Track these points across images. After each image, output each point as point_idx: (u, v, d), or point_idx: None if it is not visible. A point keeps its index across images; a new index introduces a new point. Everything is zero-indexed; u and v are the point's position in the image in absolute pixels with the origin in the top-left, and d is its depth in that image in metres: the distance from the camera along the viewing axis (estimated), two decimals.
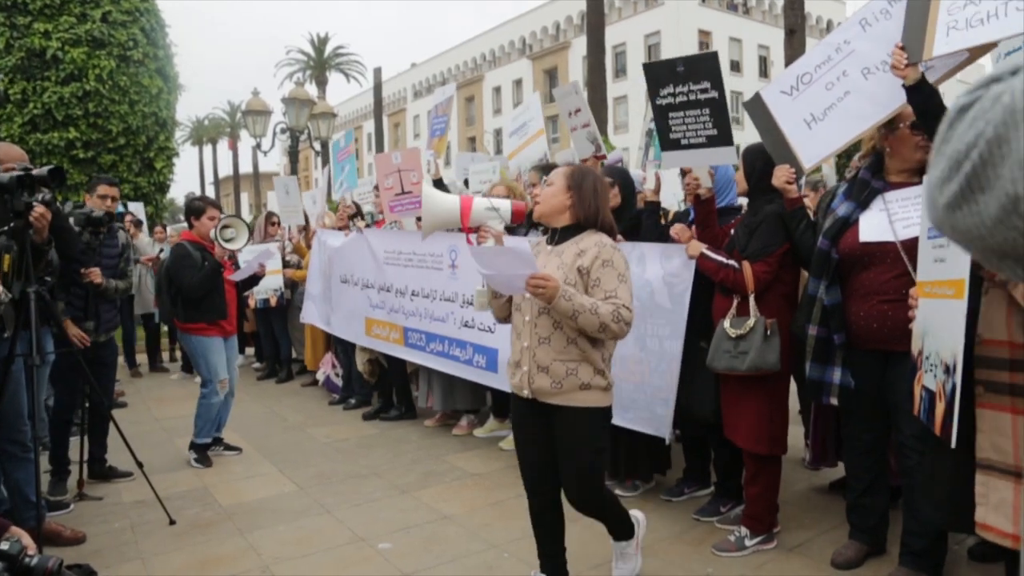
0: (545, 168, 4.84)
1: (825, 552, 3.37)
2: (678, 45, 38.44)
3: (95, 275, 4.49)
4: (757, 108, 3.44)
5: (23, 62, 11.83)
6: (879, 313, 3.03)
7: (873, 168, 3.17)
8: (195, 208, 5.28)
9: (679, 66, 3.52)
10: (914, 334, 2.55)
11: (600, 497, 2.90)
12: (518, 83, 51.33)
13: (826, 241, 3.15)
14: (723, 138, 3.49)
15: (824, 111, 3.20)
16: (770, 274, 3.33)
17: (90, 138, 12.21)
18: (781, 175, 3.34)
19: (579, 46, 40.72)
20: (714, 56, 3.48)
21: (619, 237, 2.89)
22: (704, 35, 39.82)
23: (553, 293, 2.53)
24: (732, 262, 3.39)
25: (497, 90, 53.35)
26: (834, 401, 3.22)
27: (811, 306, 3.21)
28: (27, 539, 2.37)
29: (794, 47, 16.14)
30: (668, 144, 3.67)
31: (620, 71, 42.16)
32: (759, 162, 3.46)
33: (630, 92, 42.12)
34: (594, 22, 19.01)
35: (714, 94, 3.44)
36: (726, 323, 3.35)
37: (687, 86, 3.50)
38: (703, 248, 3.49)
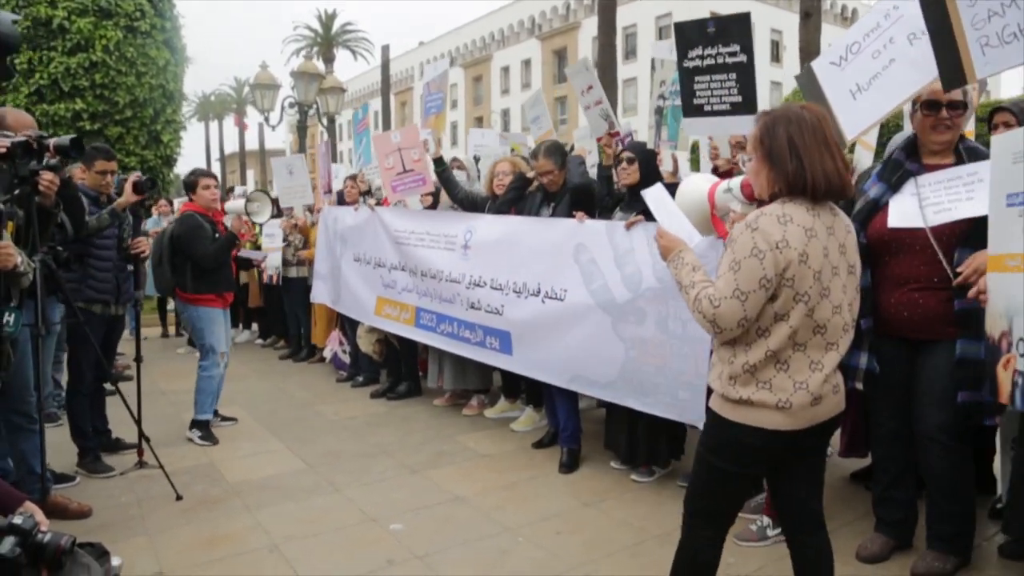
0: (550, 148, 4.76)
1: (849, 544, 3.27)
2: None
3: (142, 245, 4.53)
4: (808, 80, 3.33)
5: (29, 31, 11.63)
6: (910, 301, 2.94)
7: (908, 149, 3.05)
8: (189, 183, 5.32)
9: (710, 26, 3.46)
10: (991, 314, 2.42)
11: None
12: (527, 63, 50.93)
13: (855, 224, 3.03)
14: (747, 106, 3.41)
15: (869, 80, 3.09)
16: None
17: (96, 110, 12.05)
18: None
19: (589, 26, 40.30)
20: (746, 17, 3.42)
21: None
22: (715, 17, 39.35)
23: (664, 252, 2.35)
24: None
25: (505, 70, 52.95)
26: (859, 386, 3.12)
27: None
28: (40, 515, 2.31)
29: (809, 31, 15.83)
30: (691, 110, 3.58)
31: (630, 53, 41.78)
32: None
33: (640, 74, 41.74)
34: (605, 2, 18.73)
35: (743, 58, 3.38)
36: None
37: (716, 48, 3.43)
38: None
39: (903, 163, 3.03)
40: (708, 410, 2.27)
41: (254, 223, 5.29)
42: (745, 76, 3.40)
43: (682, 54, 3.57)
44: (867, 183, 3.15)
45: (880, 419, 3.20)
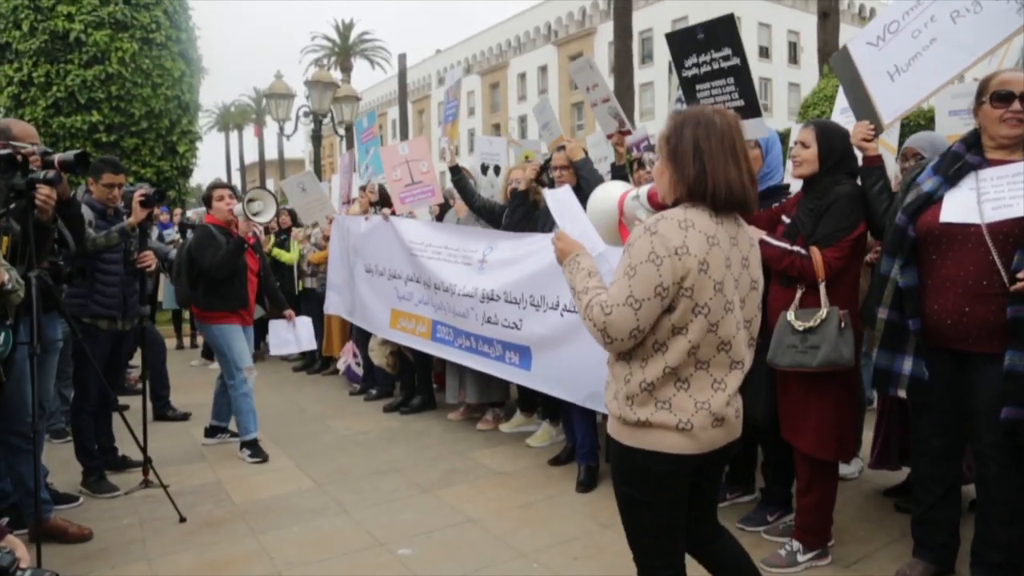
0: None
1: (887, 570, 3.07)
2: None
3: (149, 259, 4.44)
4: (844, 62, 3.16)
5: (47, 45, 11.72)
6: (955, 308, 2.69)
7: (969, 141, 2.81)
8: (206, 197, 5.20)
9: (699, 33, 3.37)
10: None
11: None
12: (543, 69, 50.83)
13: (903, 216, 2.82)
14: (751, 109, 3.29)
15: (908, 61, 2.91)
16: (841, 260, 3.01)
17: (113, 121, 12.08)
18: (859, 132, 3.06)
19: (605, 32, 40.19)
20: (730, 19, 3.31)
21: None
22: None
23: (560, 256, 2.18)
24: (798, 248, 3.06)
25: (522, 76, 52.88)
26: (902, 394, 2.89)
27: (882, 287, 2.89)
28: (21, 550, 2.17)
29: (827, 31, 15.67)
30: None
31: (647, 57, 41.54)
32: (840, 143, 3.12)
33: (657, 78, 41.49)
34: (621, 7, 18.62)
35: (736, 61, 3.27)
36: (790, 315, 3.03)
37: (709, 54, 3.35)
38: (762, 235, 3.18)
39: (963, 155, 2.79)
40: (607, 436, 2.08)
41: (260, 224, 5.03)
42: (743, 79, 3.28)
43: (679, 64, 3.47)
44: (921, 175, 2.93)
45: (923, 435, 2.97)
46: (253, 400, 4.95)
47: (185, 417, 6.03)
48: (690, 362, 1.93)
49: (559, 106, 43.52)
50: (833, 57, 3.27)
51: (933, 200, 2.79)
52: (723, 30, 3.30)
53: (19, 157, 3.13)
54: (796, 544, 3.19)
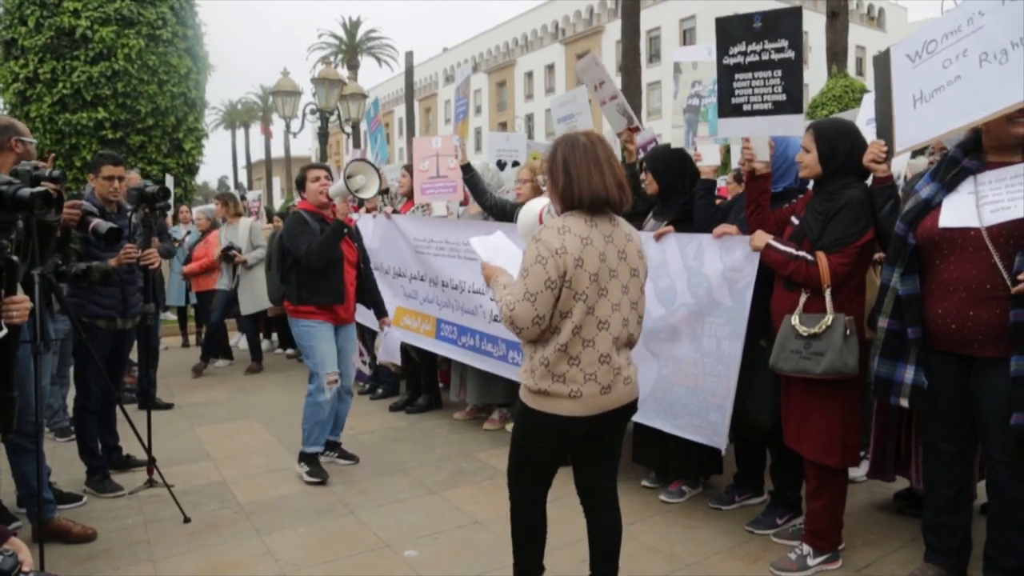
0: None
1: (898, 574, 3.03)
2: (714, 29, 37.56)
3: (152, 257, 4.34)
4: (883, 66, 3.05)
5: (53, 41, 11.71)
6: (959, 312, 2.67)
7: (967, 146, 2.78)
8: (300, 179, 4.66)
9: (756, 21, 3.23)
10: None
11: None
12: (550, 68, 50.76)
13: (903, 225, 2.79)
14: (792, 105, 3.19)
15: (932, 92, 2.77)
16: (848, 267, 2.96)
17: (119, 118, 12.05)
18: (871, 152, 2.98)
19: (612, 31, 40.13)
20: (797, 12, 3.19)
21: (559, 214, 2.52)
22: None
23: (487, 281, 2.69)
24: (803, 253, 3.02)
25: (529, 75, 52.83)
26: (904, 403, 2.86)
27: (884, 296, 2.87)
28: (25, 553, 2.14)
29: (836, 31, 15.57)
30: (728, 110, 3.35)
31: (654, 56, 41.44)
32: (843, 143, 3.07)
33: (664, 77, 41.31)
34: (629, 5, 18.55)
35: (790, 54, 3.16)
36: (794, 320, 2.99)
37: (761, 44, 3.21)
38: (769, 239, 3.14)
39: (960, 160, 2.76)
40: (518, 399, 2.55)
41: (361, 202, 4.54)
42: (792, 73, 3.18)
43: (723, 51, 3.35)
44: (919, 183, 2.90)
45: (933, 440, 2.93)
46: (327, 411, 4.48)
47: (169, 406, 6.11)
48: (577, 341, 2.38)
49: None
50: (875, 57, 3.17)
51: (932, 206, 2.76)
52: (786, 21, 3.20)
53: (54, 194, 3.11)
54: (806, 548, 3.15)
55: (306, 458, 4.48)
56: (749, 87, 3.28)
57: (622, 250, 2.47)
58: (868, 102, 4.28)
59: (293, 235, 4.37)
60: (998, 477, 2.75)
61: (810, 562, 3.12)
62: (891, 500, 3.92)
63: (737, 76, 3.31)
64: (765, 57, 3.21)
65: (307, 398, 4.48)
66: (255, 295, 7.70)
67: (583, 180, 2.39)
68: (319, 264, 4.34)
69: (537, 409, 2.46)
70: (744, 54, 3.26)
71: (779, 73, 3.19)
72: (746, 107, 3.29)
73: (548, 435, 2.51)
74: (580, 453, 2.66)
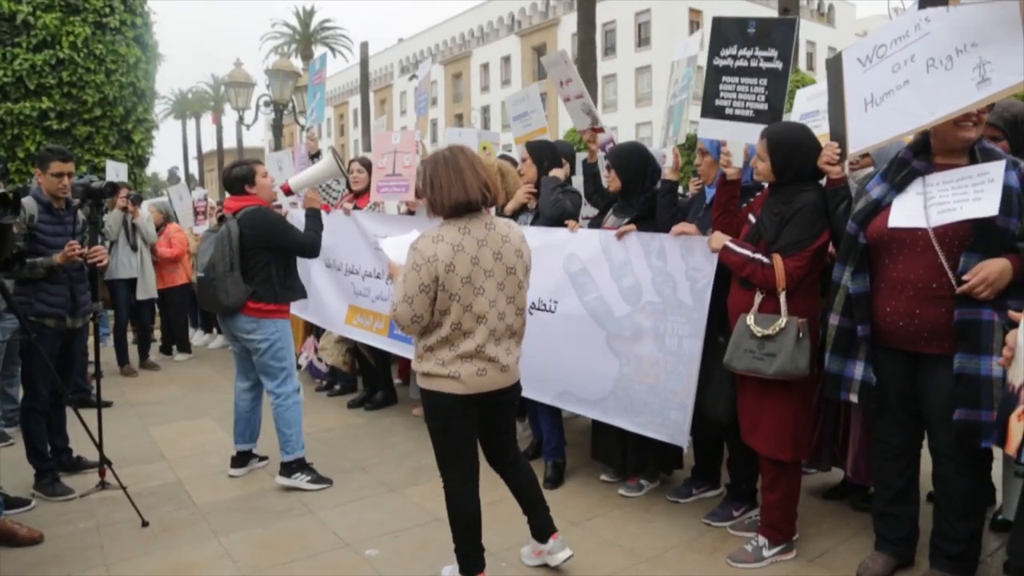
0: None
1: (849, 563, 3.13)
2: (669, 24, 37.99)
3: (100, 254, 4.17)
4: (835, 69, 3.11)
5: None
6: (906, 310, 2.76)
7: (916, 147, 2.86)
8: (243, 175, 4.28)
9: (751, 27, 3.27)
10: (1019, 362, 1.93)
11: None
12: (506, 60, 50.67)
13: (854, 224, 2.87)
14: (772, 115, 3.24)
15: (882, 96, 2.85)
16: (803, 270, 3.03)
17: (64, 108, 11.66)
18: (825, 154, 3.05)
19: (569, 23, 40.19)
20: (792, 24, 3.24)
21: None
22: (695, 14, 39.18)
23: (392, 278, 3.00)
24: (760, 256, 3.08)
25: (485, 67, 52.67)
26: (853, 398, 2.95)
27: (835, 294, 2.95)
28: None
29: None
30: (710, 111, 3.39)
31: (609, 49, 41.67)
32: (796, 156, 3.09)
33: (620, 71, 41.67)
34: None
35: (778, 65, 3.21)
36: (749, 320, 3.05)
37: (752, 51, 3.25)
38: (726, 240, 3.19)
39: (909, 162, 2.84)
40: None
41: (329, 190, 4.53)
42: (776, 84, 3.22)
43: (714, 51, 3.37)
44: (870, 183, 2.98)
45: (882, 434, 3.04)
46: (300, 412, 4.36)
47: (108, 404, 5.75)
48: (457, 334, 2.74)
49: None
50: (828, 60, 3.24)
51: (882, 207, 2.84)
52: (779, 32, 3.22)
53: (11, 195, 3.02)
54: (762, 539, 3.23)
55: (300, 466, 4.27)
56: (734, 91, 3.32)
57: (498, 251, 2.78)
58: (801, 98, 4.35)
59: (281, 230, 4.26)
60: (943, 470, 2.86)
61: (765, 553, 3.20)
62: (826, 494, 3.96)
63: (724, 79, 3.35)
64: (754, 64, 3.26)
65: (283, 401, 4.26)
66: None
67: (444, 190, 2.73)
68: (313, 255, 4.50)
69: (428, 389, 2.82)
70: (734, 58, 3.31)
71: (764, 82, 3.23)
72: (728, 111, 3.34)
73: (443, 412, 2.83)
74: (482, 432, 2.98)
